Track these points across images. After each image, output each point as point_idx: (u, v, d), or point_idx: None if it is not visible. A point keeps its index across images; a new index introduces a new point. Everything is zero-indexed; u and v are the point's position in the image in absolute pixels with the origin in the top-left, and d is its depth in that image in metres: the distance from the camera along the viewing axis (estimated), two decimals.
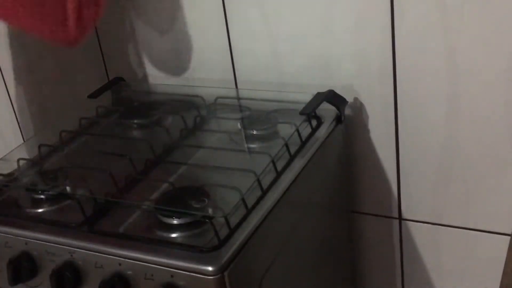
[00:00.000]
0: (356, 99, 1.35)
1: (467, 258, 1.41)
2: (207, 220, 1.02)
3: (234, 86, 1.48)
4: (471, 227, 1.37)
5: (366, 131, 1.38)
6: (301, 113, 1.27)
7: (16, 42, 1.71)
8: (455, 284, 1.45)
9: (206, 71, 1.49)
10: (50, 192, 1.17)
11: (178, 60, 1.51)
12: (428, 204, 1.39)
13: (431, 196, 1.38)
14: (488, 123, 1.26)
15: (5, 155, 1.32)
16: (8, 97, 1.83)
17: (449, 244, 1.41)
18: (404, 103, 1.31)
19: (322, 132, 1.28)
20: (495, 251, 1.35)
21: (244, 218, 1.05)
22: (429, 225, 1.41)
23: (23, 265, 1.10)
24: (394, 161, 1.38)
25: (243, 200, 1.06)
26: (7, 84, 1.81)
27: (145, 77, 1.57)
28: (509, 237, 1.31)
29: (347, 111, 1.35)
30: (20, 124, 1.86)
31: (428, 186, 1.37)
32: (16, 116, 1.85)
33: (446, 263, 1.44)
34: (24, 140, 1.87)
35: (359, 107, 1.36)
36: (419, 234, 1.44)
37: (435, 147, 1.32)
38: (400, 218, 1.44)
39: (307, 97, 1.31)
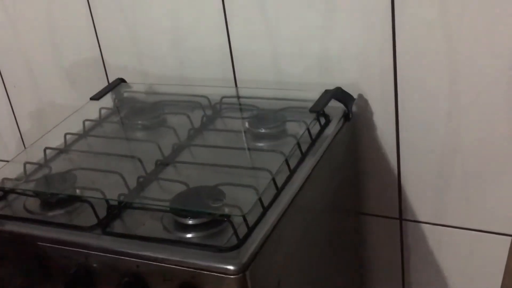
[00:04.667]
0: (360, 96, 1.35)
1: (468, 258, 1.41)
2: (225, 219, 1.01)
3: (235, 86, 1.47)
4: (472, 227, 1.37)
5: (370, 129, 1.37)
6: (311, 110, 1.26)
7: (16, 45, 1.69)
8: (455, 284, 1.46)
9: (206, 72, 1.48)
10: (61, 195, 1.15)
11: (178, 61, 1.50)
12: (428, 204, 1.39)
13: (431, 196, 1.38)
14: (488, 123, 1.26)
15: (12, 159, 1.31)
16: (8, 99, 1.81)
17: (449, 244, 1.41)
18: (405, 103, 1.31)
19: (331, 129, 1.27)
20: (495, 251, 1.35)
21: (261, 217, 1.04)
22: (430, 225, 1.41)
23: (36, 270, 1.09)
24: (395, 161, 1.38)
25: (259, 199, 1.04)
26: (6, 86, 1.79)
27: (144, 77, 1.56)
28: (509, 237, 1.31)
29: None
30: (19, 127, 1.85)
31: (429, 187, 1.37)
32: (15, 119, 1.84)
33: (447, 263, 1.44)
34: (23, 143, 1.85)
35: (363, 105, 1.35)
36: (420, 234, 1.43)
37: (436, 147, 1.32)
38: (401, 218, 1.44)
39: (313, 95, 1.31)
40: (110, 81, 1.57)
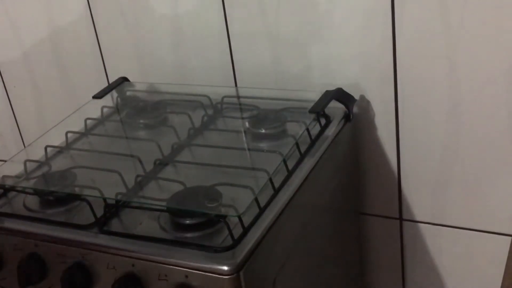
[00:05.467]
0: (362, 96, 1.35)
1: (468, 258, 1.41)
2: (220, 219, 1.01)
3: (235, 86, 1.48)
4: (472, 227, 1.37)
5: (371, 129, 1.37)
6: (311, 111, 1.26)
7: (16, 45, 1.70)
8: (455, 284, 1.45)
9: (206, 72, 1.48)
10: (59, 193, 1.16)
11: (177, 60, 1.50)
12: (428, 204, 1.39)
13: (431, 196, 1.37)
14: (488, 123, 1.26)
15: (13, 157, 1.31)
16: (7, 99, 1.82)
17: (449, 244, 1.41)
18: (405, 104, 1.31)
19: (331, 130, 1.27)
20: (495, 251, 1.35)
21: (257, 218, 1.04)
22: (430, 225, 1.41)
23: (33, 267, 1.09)
24: (395, 161, 1.38)
25: (256, 199, 1.05)
26: (6, 86, 1.80)
27: (144, 78, 1.56)
28: (509, 237, 1.31)
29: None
30: (19, 127, 1.86)
31: (429, 187, 1.37)
32: (15, 119, 1.84)
33: (447, 263, 1.44)
34: (23, 142, 1.86)
35: (364, 105, 1.35)
36: (420, 234, 1.43)
37: (436, 147, 1.32)
38: (401, 218, 1.43)
39: (314, 96, 1.31)
40: (110, 81, 1.58)
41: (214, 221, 1.03)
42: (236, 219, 1.01)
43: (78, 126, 1.40)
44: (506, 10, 1.15)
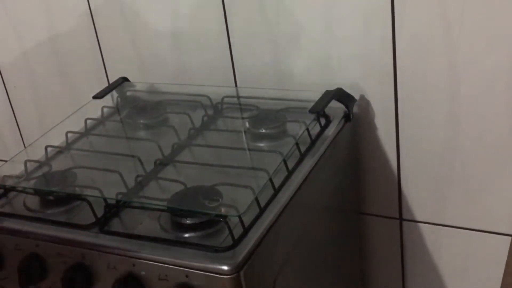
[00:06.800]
0: (362, 96, 1.35)
1: (468, 258, 1.41)
2: (221, 219, 1.01)
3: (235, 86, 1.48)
4: (472, 227, 1.37)
5: (371, 129, 1.37)
6: (311, 111, 1.26)
7: (16, 45, 1.70)
8: (455, 284, 1.45)
9: (206, 72, 1.48)
10: (59, 193, 1.16)
11: (177, 60, 1.50)
12: (428, 204, 1.39)
13: (431, 196, 1.38)
14: (488, 123, 1.26)
15: (14, 157, 1.31)
16: (7, 98, 1.82)
17: (449, 244, 1.41)
18: (405, 104, 1.31)
19: (331, 130, 1.27)
20: (495, 251, 1.35)
21: (257, 218, 1.04)
22: (430, 225, 1.41)
23: (34, 267, 1.09)
24: (395, 161, 1.38)
25: (256, 199, 1.05)
26: (6, 86, 1.80)
27: (144, 78, 1.56)
28: (509, 237, 1.31)
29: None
30: (19, 127, 1.86)
31: (429, 187, 1.37)
32: (15, 119, 1.84)
33: (447, 263, 1.44)
34: (23, 143, 1.86)
35: (364, 105, 1.35)
36: (420, 234, 1.43)
37: (436, 147, 1.32)
38: (401, 218, 1.43)
39: (315, 96, 1.31)
40: (110, 81, 1.58)
41: (214, 221, 1.03)
42: (237, 219, 1.01)
43: (78, 126, 1.40)
44: (506, 10, 1.15)
